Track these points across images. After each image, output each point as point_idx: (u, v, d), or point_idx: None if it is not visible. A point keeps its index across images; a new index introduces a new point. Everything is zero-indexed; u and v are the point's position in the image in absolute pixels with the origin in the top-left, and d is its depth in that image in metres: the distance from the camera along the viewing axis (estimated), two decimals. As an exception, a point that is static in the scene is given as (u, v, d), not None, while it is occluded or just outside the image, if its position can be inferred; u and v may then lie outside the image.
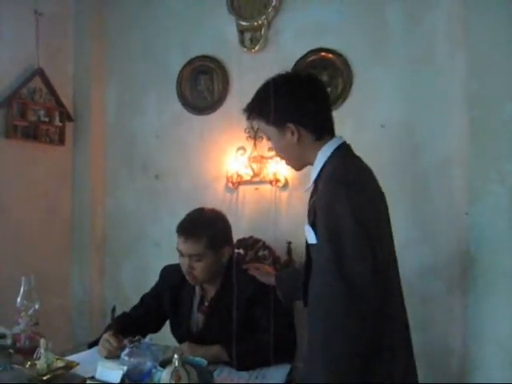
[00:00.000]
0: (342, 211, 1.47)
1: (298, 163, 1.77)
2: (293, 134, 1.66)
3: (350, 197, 1.48)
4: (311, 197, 1.67)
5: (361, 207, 1.49)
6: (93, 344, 2.25)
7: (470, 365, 2.62)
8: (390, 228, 1.68)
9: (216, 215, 2.36)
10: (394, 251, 1.66)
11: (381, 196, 1.67)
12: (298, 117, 1.66)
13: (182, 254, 2.25)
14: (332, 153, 1.64)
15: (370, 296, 1.41)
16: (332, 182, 1.56)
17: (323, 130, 1.69)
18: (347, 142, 1.71)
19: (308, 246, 1.66)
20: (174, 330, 2.40)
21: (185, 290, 2.36)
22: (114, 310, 2.26)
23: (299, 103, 1.67)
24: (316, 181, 1.65)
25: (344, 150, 1.68)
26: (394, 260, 1.66)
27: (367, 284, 1.42)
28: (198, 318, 2.33)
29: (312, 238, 1.58)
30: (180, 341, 2.29)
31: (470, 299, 2.61)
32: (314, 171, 1.67)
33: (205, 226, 2.24)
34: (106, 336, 2.13)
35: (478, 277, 2.57)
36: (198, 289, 2.35)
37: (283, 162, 1.83)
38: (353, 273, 1.42)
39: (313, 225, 1.57)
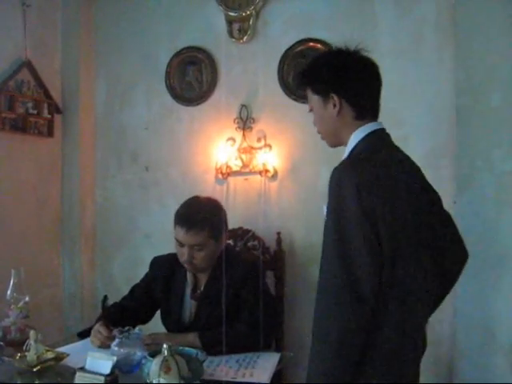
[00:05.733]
0: (346, 193, 1.44)
1: (333, 139, 1.71)
2: (334, 106, 1.61)
3: (358, 183, 1.43)
4: None
5: (369, 198, 1.43)
6: (82, 333, 2.27)
7: (458, 352, 2.65)
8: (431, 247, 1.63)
9: (214, 204, 2.36)
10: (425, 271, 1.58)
11: (413, 202, 1.55)
12: (342, 89, 1.61)
13: (181, 245, 2.24)
14: (365, 136, 1.60)
15: (368, 293, 1.39)
16: (346, 161, 1.55)
17: (365, 110, 1.63)
18: (386, 131, 1.66)
19: None
20: (165, 319, 2.41)
21: (176, 279, 2.38)
22: (105, 299, 2.23)
23: (347, 77, 1.62)
24: None
25: (378, 136, 1.63)
26: (424, 270, 1.58)
27: (365, 274, 1.40)
28: (190, 305, 2.34)
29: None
30: (171, 329, 2.31)
31: (458, 287, 2.62)
32: (345, 153, 1.63)
33: (206, 217, 2.24)
34: (97, 327, 2.14)
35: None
36: (190, 277, 2.35)
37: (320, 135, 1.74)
38: (350, 260, 1.40)
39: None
